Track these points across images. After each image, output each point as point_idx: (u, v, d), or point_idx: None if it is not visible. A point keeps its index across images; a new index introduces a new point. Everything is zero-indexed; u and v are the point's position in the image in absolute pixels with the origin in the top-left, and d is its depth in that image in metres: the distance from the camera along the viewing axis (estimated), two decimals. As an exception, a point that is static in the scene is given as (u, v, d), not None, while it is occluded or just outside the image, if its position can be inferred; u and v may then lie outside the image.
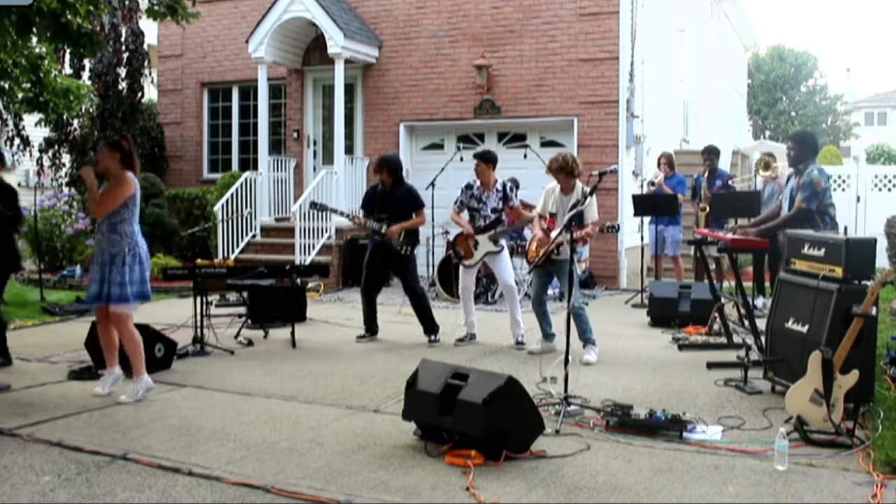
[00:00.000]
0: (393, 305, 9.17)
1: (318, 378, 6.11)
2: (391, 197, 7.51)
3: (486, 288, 9.96)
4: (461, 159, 11.81)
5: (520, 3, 11.88)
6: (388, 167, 7.51)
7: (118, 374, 5.61)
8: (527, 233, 9.45)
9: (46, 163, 14.03)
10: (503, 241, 7.47)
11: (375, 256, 7.61)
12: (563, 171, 6.62)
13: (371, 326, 7.69)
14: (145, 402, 5.40)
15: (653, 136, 12.61)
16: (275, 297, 8.23)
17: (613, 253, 11.59)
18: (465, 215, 7.52)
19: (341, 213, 8.38)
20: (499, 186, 7.40)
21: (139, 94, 13.86)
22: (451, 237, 10.51)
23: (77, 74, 13.16)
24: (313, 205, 8.39)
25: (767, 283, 9.43)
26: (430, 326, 7.52)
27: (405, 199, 7.53)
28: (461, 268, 7.55)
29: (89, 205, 5.45)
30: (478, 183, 7.42)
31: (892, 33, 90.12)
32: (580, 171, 6.72)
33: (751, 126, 33.86)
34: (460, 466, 4.05)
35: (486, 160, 7.38)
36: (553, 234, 6.58)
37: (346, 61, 12.01)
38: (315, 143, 13.56)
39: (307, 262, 10.94)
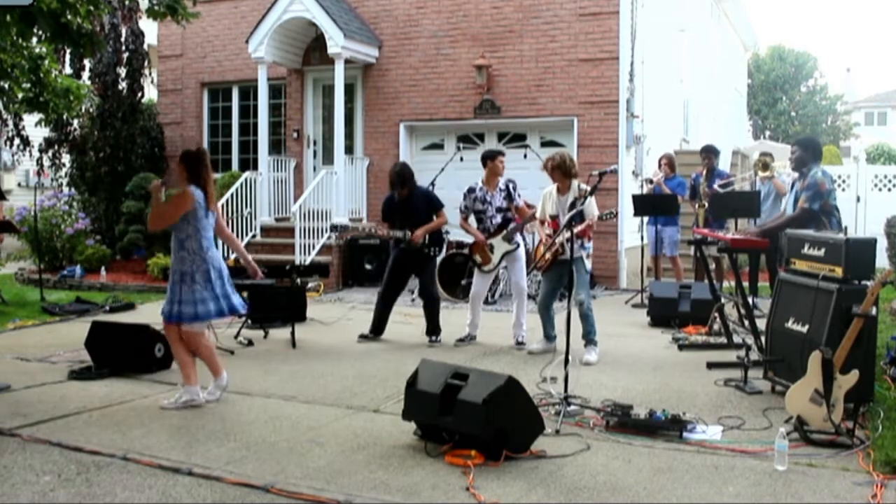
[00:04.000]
0: (394, 305, 9.14)
1: (318, 378, 6.11)
2: (409, 204, 7.50)
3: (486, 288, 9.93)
4: (461, 159, 11.81)
5: (520, 3, 11.88)
6: (404, 181, 7.48)
7: (224, 382, 5.43)
8: (528, 237, 9.43)
9: (46, 163, 14.04)
10: (518, 238, 7.46)
11: (399, 263, 7.61)
12: (560, 169, 6.64)
13: (378, 328, 7.70)
14: (144, 402, 5.41)
15: (653, 136, 12.61)
16: (275, 297, 8.23)
17: (613, 253, 11.59)
18: (472, 220, 7.53)
19: (363, 232, 8.34)
20: (502, 185, 7.41)
21: (139, 94, 13.86)
22: (451, 237, 10.54)
23: (77, 74, 13.16)
24: (334, 227, 8.36)
25: (767, 283, 9.42)
26: (433, 328, 7.55)
27: (423, 203, 7.54)
28: (476, 272, 7.56)
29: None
30: (480, 184, 7.43)
31: (892, 33, 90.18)
32: (577, 170, 6.73)
33: (751, 126, 33.82)
34: (460, 466, 4.05)
35: (504, 156, 7.50)
36: (557, 239, 6.59)
37: (346, 61, 12.01)
38: (315, 143, 13.56)
39: (307, 262, 10.94)
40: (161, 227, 5.38)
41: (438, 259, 10.36)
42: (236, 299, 5.45)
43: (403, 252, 7.54)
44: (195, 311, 5.26)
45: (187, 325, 5.31)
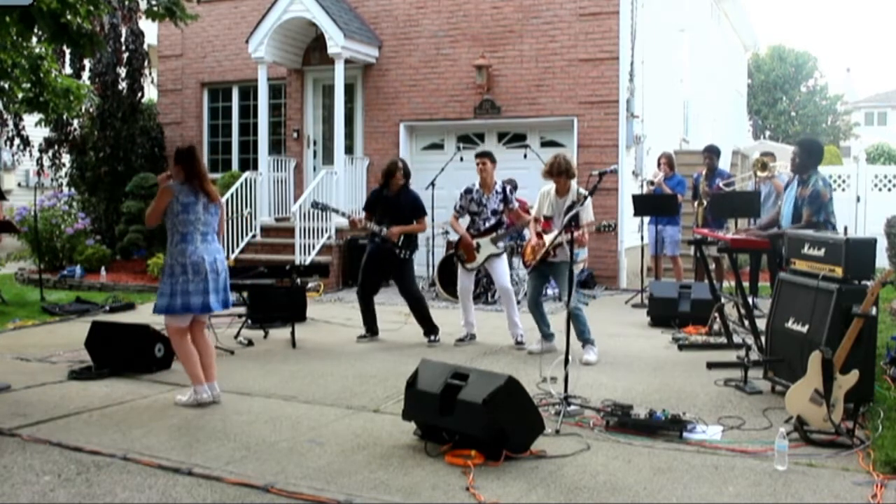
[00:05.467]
0: (394, 305, 9.16)
1: (318, 378, 6.11)
2: (396, 202, 7.49)
3: (486, 288, 9.95)
4: (461, 159, 11.81)
5: (520, 3, 11.88)
6: (405, 172, 7.51)
7: (206, 392, 5.33)
8: (527, 233, 9.42)
9: (46, 163, 14.05)
10: (502, 244, 7.48)
11: (373, 259, 7.59)
12: (566, 174, 6.63)
13: (371, 327, 7.69)
14: (144, 401, 5.41)
15: (653, 136, 12.61)
16: (275, 297, 8.23)
17: (613, 253, 11.59)
18: (465, 220, 7.53)
19: (342, 214, 8.38)
20: (498, 188, 7.41)
21: (139, 94, 13.87)
22: (451, 237, 10.55)
23: (77, 74, 13.16)
24: (315, 204, 8.40)
25: (767, 283, 9.42)
26: (429, 327, 7.53)
27: (409, 205, 7.52)
28: (460, 269, 7.56)
29: None
30: (477, 186, 7.43)
31: (892, 33, 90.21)
32: (575, 171, 6.74)
33: (751, 126, 33.82)
34: (460, 466, 4.05)
35: (493, 159, 7.43)
36: (548, 238, 6.60)
37: (346, 61, 12.01)
38: (315, 143, 13.56)
39: (307, 262, 10.94)
40: (152, 222, 5.48)
41: (438, 259, 10.46)
42: (196, 300, 5.31)
43: (377, 247, 7.52)
44: (158, 303, 5.38)
45: (167, 317, 5.40)
